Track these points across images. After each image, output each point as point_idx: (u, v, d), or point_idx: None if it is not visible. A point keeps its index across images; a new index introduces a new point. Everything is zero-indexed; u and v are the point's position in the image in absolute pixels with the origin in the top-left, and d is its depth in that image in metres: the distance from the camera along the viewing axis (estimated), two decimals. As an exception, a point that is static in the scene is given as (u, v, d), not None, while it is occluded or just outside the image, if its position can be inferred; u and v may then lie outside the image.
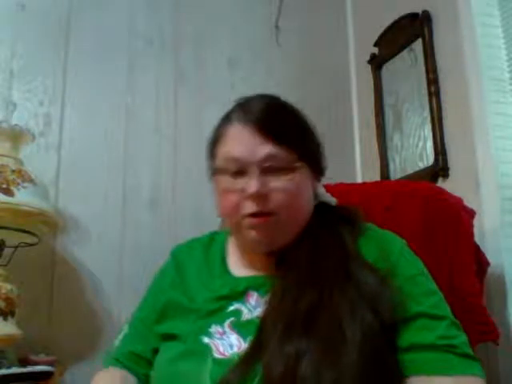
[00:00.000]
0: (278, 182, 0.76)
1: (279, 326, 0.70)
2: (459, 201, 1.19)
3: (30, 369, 1.28)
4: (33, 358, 1.39)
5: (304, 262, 0.78)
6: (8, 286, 1.33)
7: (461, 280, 1.04)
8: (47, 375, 1.29)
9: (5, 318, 1.30)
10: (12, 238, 1.40)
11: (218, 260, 0.88)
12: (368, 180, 2.00)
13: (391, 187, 1.31)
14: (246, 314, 0.77)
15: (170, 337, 0.81)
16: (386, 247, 0.80)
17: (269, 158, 0.76)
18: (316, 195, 0.86)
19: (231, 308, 0.79)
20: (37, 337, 1.50)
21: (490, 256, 1.23)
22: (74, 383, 1.52)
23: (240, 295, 0.79)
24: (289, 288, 0.74)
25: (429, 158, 1.69)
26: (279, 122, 0.79)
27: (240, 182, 0.77)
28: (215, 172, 0.81)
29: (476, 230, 1.18)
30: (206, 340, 0.75)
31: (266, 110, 0.80)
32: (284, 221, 0.77)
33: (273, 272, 0.80)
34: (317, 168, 0.85)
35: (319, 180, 0.87)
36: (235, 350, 0.73)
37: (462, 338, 0.73)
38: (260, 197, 0.75)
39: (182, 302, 0.84)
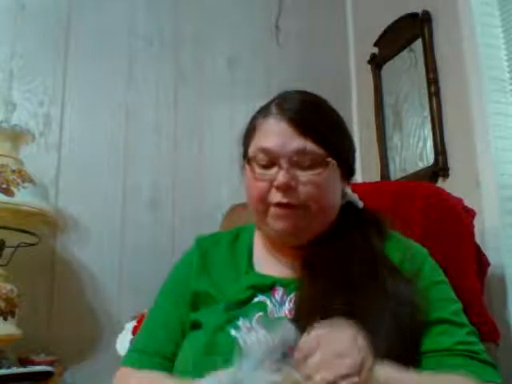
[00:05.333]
0: (306, 176, 0.78)
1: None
2: (459, 201, 1.18)
3: (29, 369, 1.28)
4: (33, 358, 1.39)
5: (332, 263, 0.78)
6: (8, 286, 1.33)
7: (461, 280, 1.04)
8: (47, 375, 1.29)
9: (5, 318, 1.30)
10: (12, 238, 1.40)
11: (245, 257, 0.87)
12: (368, 180, 2.00)
13: (391, 188, 1.30)
14: (272, 310, 0.78)
15: (196, 325, 0.80)
16: (412, 252, 0.82)
17: (299, 151, 0.77)
18: (344, 195, 0.86)
19: (256, 299, 0.79)
20: (37, 337, 1.50)
21: (489, 256, 1.23)
22: (74, 383, 1.52)
23: (266, 288, 0.80)
24: (318, 291, 0.74)
25: (429, 158, 1.69)
26: (313, 119, 0.80)
27: (270, 173, 0.79)
28: (247, 161, 0.82)
29: (476, 230, 1.18)
30: (233, 333, 0.74)
31: (301, 105, 0.82)
32: (311, 214, 0.78)
33: (299, 271, 0.80)
34: (347, 167, 0.85)
35: (348, 180, 0.87)
36: None
37: (480, 346, 0.74)
38: (288, 188, 0.77)
39: (209, 291, 0.83)
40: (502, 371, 0.77)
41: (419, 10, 1.76)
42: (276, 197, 0.78)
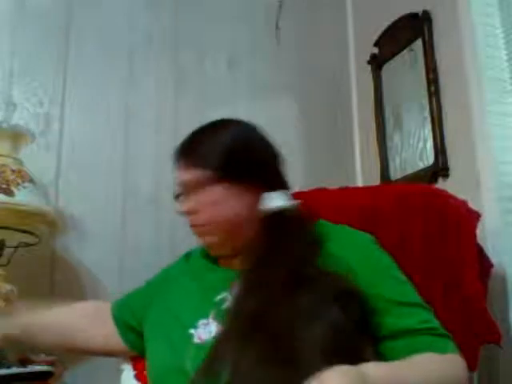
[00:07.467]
0: (196, 199, 0.88)
1: (234, 324, 0.76)
2: (462, 203, 1.17)
3: (29, 369, 1.27)
4: (33, 358, 1.39)
5: (254, 266, 0.83)
6: (8, 286, 1.33)
7: (463, 283, 1.04)
8: (47, 375, 1.29)
9: (5, 318, 1.29)
10: (12, 238, 1.40)
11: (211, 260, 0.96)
12: (368, 179, 2.00)
13: (392, 190, 1.30)
14: (228, 303, 0.82)
15: (158, 332, 0.91)
16: (352, 242, 0.86)
17: (184, 181, 0.90)
18: (254, 206, 0.88)
19: (218, 297, 0.84)
20: (37, 337, 1.49)
21: (490, 256, 1.23)
22: (74, 383, 1.51)
23: (228, 285, 0.84)
24: (242, 292, 0.80)
25: (429, 158, 1.69)
26: (189, 150, 0.92)
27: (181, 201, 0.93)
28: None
29: (477, 231, 1.18)
30: (191, 331, 0.82)
31: (185, 140, 0.93)
32: (211, 230, 0.88)
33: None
34: (249, 181, 0.88)
35: (262, 191, 0.88)
36: (213, 334, 0.79)
37: (436, 321, 0.79)
38: (188, 213, 0.90)
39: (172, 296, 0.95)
40: (502, 371, 0.77)
41: (419, 10, 1.76)
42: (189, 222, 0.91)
